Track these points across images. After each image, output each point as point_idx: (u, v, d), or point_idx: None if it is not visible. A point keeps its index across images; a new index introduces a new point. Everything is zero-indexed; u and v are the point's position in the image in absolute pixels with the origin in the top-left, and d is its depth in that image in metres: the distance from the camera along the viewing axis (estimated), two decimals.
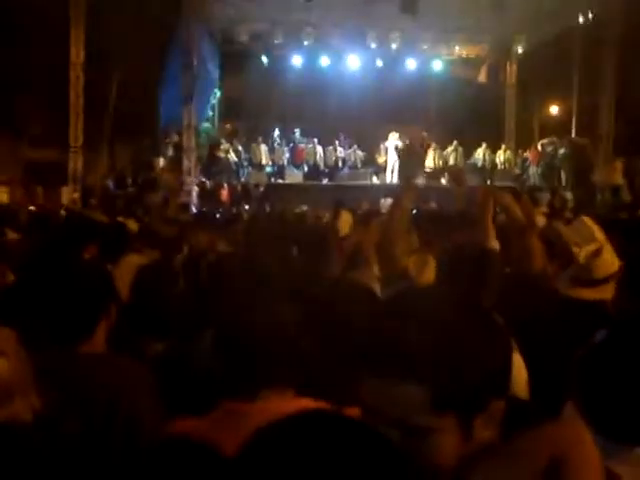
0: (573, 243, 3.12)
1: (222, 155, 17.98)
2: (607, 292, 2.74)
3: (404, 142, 19.54)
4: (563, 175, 18.14)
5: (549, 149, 18.78)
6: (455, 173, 13.98)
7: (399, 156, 19.13)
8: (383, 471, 0.75)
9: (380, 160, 19.94)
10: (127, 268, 3.44)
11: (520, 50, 19.02)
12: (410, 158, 19.01)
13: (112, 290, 2.14)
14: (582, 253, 2.84)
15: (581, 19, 16.44)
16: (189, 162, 15.91)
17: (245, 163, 18.75)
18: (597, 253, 2.86)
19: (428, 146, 20.09)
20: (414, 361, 0.88)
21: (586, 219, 3.40)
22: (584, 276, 2.78)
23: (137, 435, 1.93)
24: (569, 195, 16.88)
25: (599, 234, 3.28)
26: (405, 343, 0.89)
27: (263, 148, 18.93)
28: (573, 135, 18.20)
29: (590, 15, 16.17)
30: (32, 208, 11.53)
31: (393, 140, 19.15)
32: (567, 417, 1.40)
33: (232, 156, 18.25)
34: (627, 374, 1.32)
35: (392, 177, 19.23)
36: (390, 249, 3.09)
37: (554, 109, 21.36)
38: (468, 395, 0.90)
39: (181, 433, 1.53)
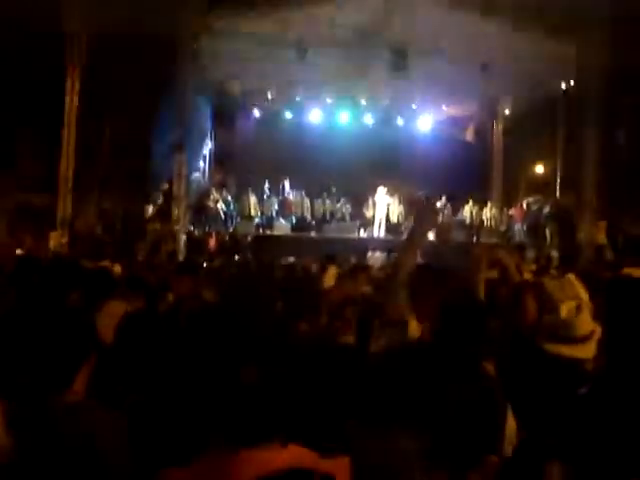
0: (557, 299, 3.14)
1: (211, 205, 18.08)
2: (586, 351, 2.73)
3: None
4: (548, 233, 18.37)
5: (534, 207, 19.07)
6: (443, 230, 14.18)
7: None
8: None
9: (368, 214, 20.15)
10: (110, 314, 3.41)
11: (506, 111, 19.52)
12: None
13: (94, 338, 2.13)
14: (564, 308, 2.85)
15: (563, 85, 17.00)
16: (178, 211, 15.96)
17: (234, 214, 18.85)
18: (579, 310, 2.87)
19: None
20: (411, 415, 0.88)
21: (571, 277, 3.44)
22: (563, 332, 2.78)
23: None
24: (554, 253, 17.05)
25: (582, 292, 3.32)
26: (402, 399, 0.89)
27: (252, 199, 19.07)
28: (557, 194, 18.52)
29: (572, 82, 16.72)
30: (19, 252, 11.46)
31: (382, 195, 19.40)
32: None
33: (221, 206, 18.35)
34: (606, 431, 1.34)
35: (379, 231, 19.38)
36: (388, 301, 3.11)
37: (539, 168, 21.79)
38: (462, 450, 0.90)
39: None
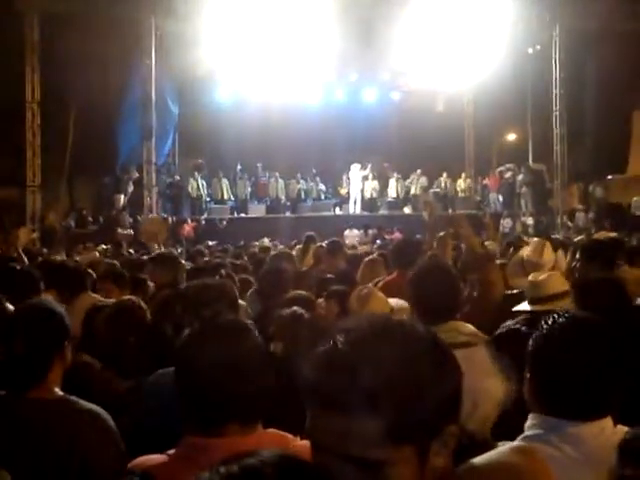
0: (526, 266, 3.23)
1: (183, 191, 17.90)
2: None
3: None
4: (523, 201, 18.53)
5: (507, 175, 19.20)
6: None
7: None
8: None
9: (342, 191, 20.12)
10: (82, 308, 3.38)
11: (476, 79, 19.44)
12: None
13: (66, 331, 2.10)
14: (531, 275, 2.96)
15: (530, 50, 17.06)
16: (150, 199, 15.78)
17: (207, 198, 18.70)
18: (548, 275, 2.96)
19: (390, 177, 20.42)
20: (369, 395, 0.87)
21: (537, 241, 3.52)
22: (533, 294, 2.91)
23: (94, 478, 1.89)
24: (530, 220, 17.24)
25: (549, 255, 3.43)
26: (359, 378, 0.87)
27: (225, 183, 18.92)
28: (530, 161, 18.65)
29: (538, 47, 16.81)
30: None
31: (355, 171, 19.36)
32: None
33: (195, 191, 18.19)
34: (572, 361, 1.53)
35: (355, 208, 19.39)
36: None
37: (511, 136, 21.87)
38: (423, 425, 0.89)
39: (141, 471, 1.50)
